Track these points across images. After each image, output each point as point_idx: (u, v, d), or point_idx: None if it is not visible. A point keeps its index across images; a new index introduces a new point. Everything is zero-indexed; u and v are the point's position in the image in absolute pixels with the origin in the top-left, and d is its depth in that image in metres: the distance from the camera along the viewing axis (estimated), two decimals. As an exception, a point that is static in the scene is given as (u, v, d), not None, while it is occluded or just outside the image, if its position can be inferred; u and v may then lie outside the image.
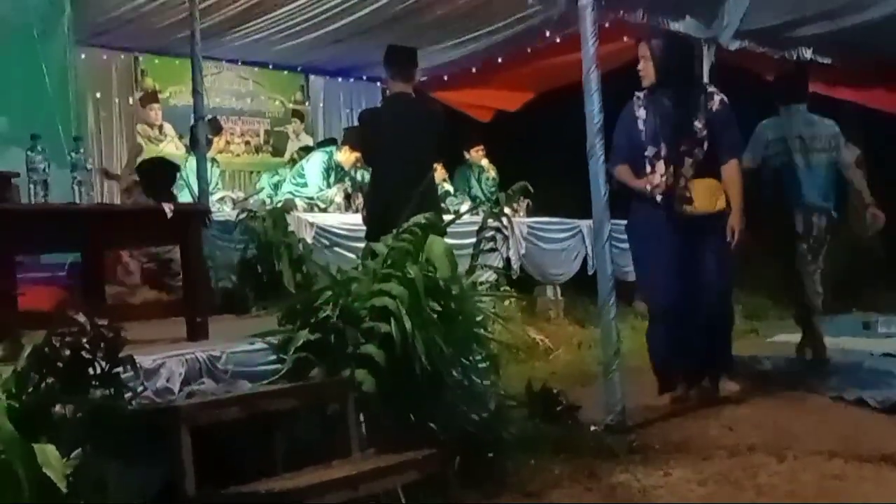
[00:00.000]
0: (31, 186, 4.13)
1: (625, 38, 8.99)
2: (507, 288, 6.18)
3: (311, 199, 8.79)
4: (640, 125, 5.40)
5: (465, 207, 9.27)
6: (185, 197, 8.37)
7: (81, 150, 4.22)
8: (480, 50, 10.82)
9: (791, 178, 6.41)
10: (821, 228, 6.44)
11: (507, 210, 5.51)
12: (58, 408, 2.97)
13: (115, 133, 10.18)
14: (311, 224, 7.79)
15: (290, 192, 8.92)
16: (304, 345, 3.88)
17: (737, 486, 3.93)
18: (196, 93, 7.19)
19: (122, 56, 10.36)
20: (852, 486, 3.89)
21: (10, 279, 4.16)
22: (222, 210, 7.96)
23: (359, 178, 8.98)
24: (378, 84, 11.72)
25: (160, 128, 10.44)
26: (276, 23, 9.61)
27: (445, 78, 11.41)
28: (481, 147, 10.95)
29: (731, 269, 5.57)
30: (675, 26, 7.89)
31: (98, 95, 10.11)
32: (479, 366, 4.27)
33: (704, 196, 5.34)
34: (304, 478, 3.28)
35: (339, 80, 12.24)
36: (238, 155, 11.32)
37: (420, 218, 4.24)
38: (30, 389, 2.94)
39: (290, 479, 3.27)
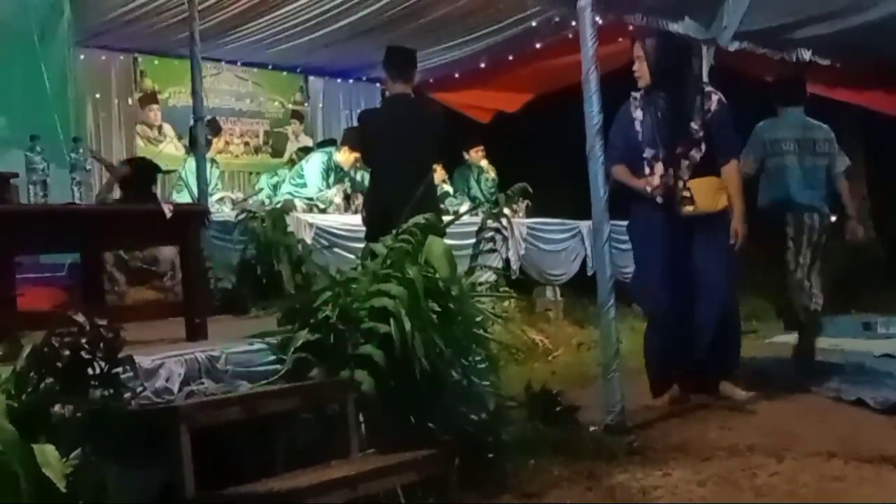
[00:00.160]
0: (31, 187, 4.12)
1: (620, 40, 9.01)
2: (507, 289, 6.16)
3: (311, 199, 8.79)
4: (638, 126, 5.38)
5: (464, 208, 9.27)
6: (184, 197, 8.38)
7: (80, 151, 4.21)
8: (480, 51, 10.82)
9: (785, 179, 6.43)
10: (814, 229, 6.44)
11: (506, 211, 5.50)
12: (57, 408, 2.96)
13: (114, 134, 10.16)
14: (311, 225, 7.79)
15: (290, 193, 8.93)
16: (304, 345, 3.88)
17: (736, 487, 3.93)
18: (195, 94, 7.19)
19: (122, 57, 10.35)
20: (852, 486, 3.89)
21: (10, 280, 4.17)
22: (221, 211, 7.96)
23: (358, 178, 8.98)
24: (377, 85, 11.71)
25: (159, 128, 10.47)
26: (276, 24, 9.61)
27: (445, 79, 11.42)
28: (481, 148, 10.95)
29: (735, 269, 5.52)
30: (675, 27, 7.91)
31: (97, 96, 10.10)
32: (479, 366, 4.27)
33: (706, 195, 5.31)
34: (303, 478, 3.28)
35: (339, 80, 12.24)
36: (237, 156, 11.31)
37: (419, 219, 4.24)
38: (29, 390, 2.94)
39: (289, 480, 3.27)
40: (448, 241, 4.26)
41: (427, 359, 3.77)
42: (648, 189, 5.33)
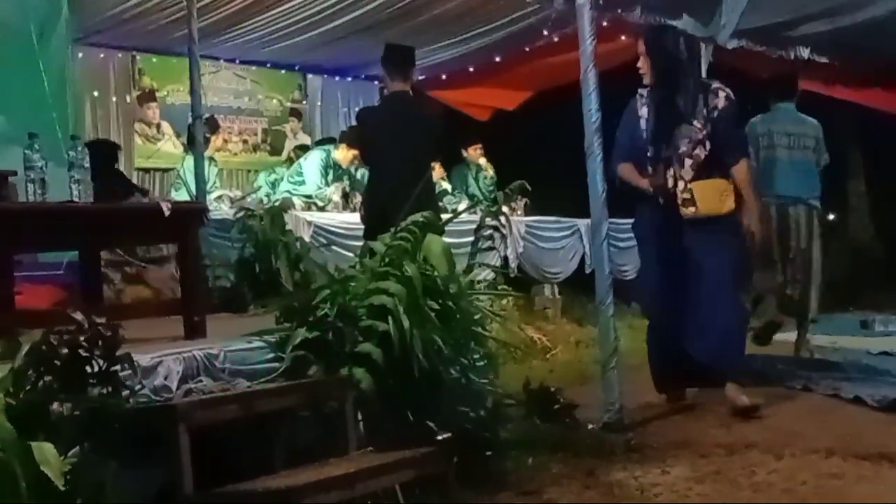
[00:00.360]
0: (29, 185, 4.11)
1: (622, 38, 9.02)
2: (505, 287, 6.18)
3: (309, 197, 8.79)
4: (643, 124, 5.30)
5: (462, 206, 9.28)
6: (182, 195, 8.38)
7: (79, 149, 4.21)
8: (478, 49, 10.81)
9: (773, 172, 6.47)
10: (800, 220, 6.47)
11: (504, 209, 5.49)
12: (55, 406, 2.96)
13: (112, 132, 10.15)
14: (309, 223, 7.79)
15: (288, 191, 8.93)
16: (302, 343, 3.87)
17: (734, 485, 3.94)
18: (194, 91, 7.19)
19: (120, 55, 10.35)
20: (850, 484, 3.90)
21: (8, 278, 4.16)
22: (220, 209, 7.95)
23: (357, 176, 8.99)
24: (376, 83, 11.71)
25: (158, 126, 10.47)
26: (274, 22, 9.61)
27: (443, 77, 11.43)
28: (479, 146, 10.95)
29: (739, 273, 5.41)
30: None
31: (96, 94, 10.10)
32: (477, 364, 4.27)
33: (710, 198, 5.17)
34: (301, 476, 3.28)
35: (337, 78, 12.24)
36: (236, 154, 11.32)
37: (418, 217, 4.24)
38: (27, 388, 2.94)
39: (287, 478, 3.27)
40: (447, 239, 4.26)
41: (425, 357, 3.77)
42: (650, 189, 5.25)
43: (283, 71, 11.71)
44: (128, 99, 10.44)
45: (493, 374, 4.40)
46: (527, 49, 10.69)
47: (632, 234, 5.73)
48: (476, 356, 4.26)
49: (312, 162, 9.20)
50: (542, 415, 4.76)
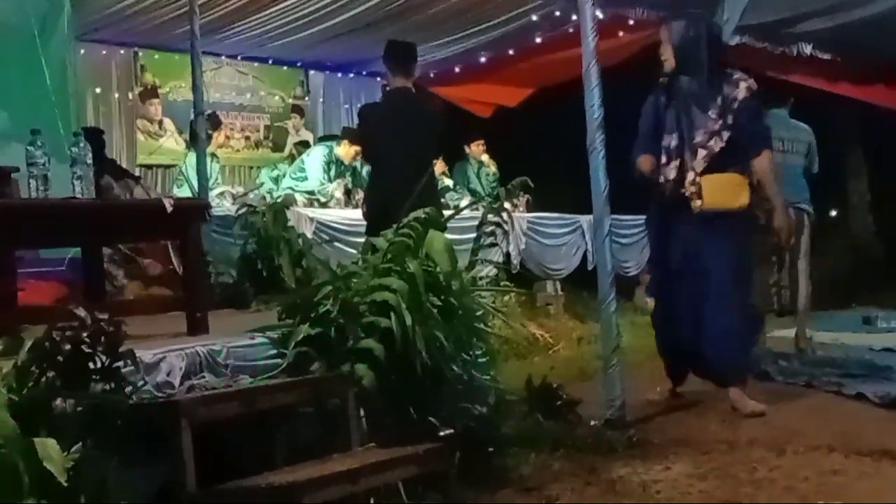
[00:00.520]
0: (31, 181, 4.12)
1: (620, 34, 9.02)
2: (507, 283, 6.19)
3: (312, 193, 8.80)
4: (661, 113, 5.19)
5: (464, 202, 9.27)
6: (184, 192, 8.39)
7: (81, 145, 4.21)
8: (480, 45, 10.81)
9: None
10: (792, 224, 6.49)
11: (506, 205, 5.49)
12: (58, 402, 2.97)
13: (114, 128, 10.16)
14: (311, 219, 7.80)
15: (291, 188, 8.93)
16: (305, 339, 3.88)
17: (736, 481, 3.93)
18: (196, 88, 7.20)
19: (122, 51, 10.36)
20: (852, 481, 3.89)
21: (10, 274, 4.17)
22: (222, 205, 7.96)
23: (361, 172, 8.99)
24: (378, 79, 11.71)
25: (160, 123, 10.48)
26: (276, 18, 9.60)
27: (445, 73, 11.42)
28: (482, 142, 10.95)
29: (747, 272, 5.32)
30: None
31: (98, 91, 10.11)
32: (480, 361, 4.28)
33: (718, 191, 5.03)
34: (304, 472, 3.28)
35: (339, 75, 12.24)
36: (238, 150, 11.32)
37: (420, 213, 4.24)
38: (30, 384, 2.94)
39: (290, 474, 3.27)
40: (449, 236, 4.26)
41: (428, 353, 3.78)
42: (662, 179, 5.16)
43: (285, 67, 11.71)
44: (130, 95, 10.44)
45: (495, 371, 4.39)
46: (529, 46, 10.69)
47: (634, 231, 5.73)
48: (478, 352, 4.27)
49: (315, 158, 9.21)
50: (544, 411, 4.77)
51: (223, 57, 10.85)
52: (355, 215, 7.50)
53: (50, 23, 6.53)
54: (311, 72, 11.99)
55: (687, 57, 5.17)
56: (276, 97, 11.73)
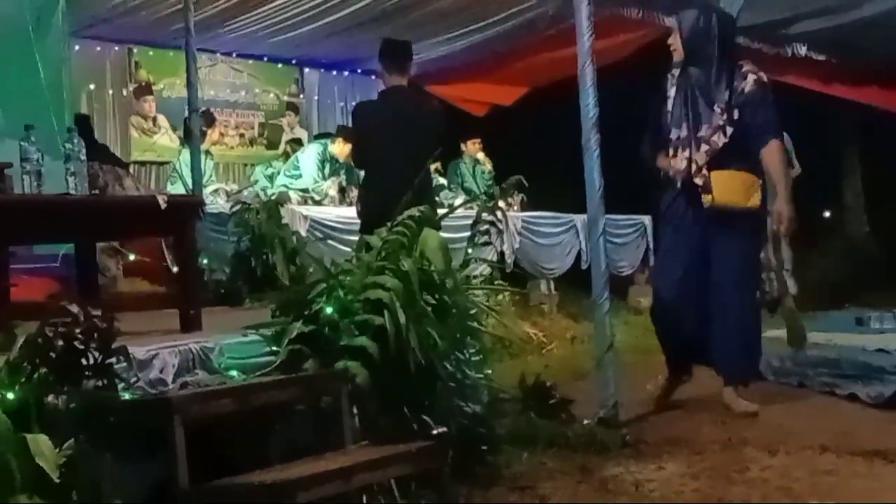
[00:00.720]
0: (25, 177, 4.11)
1: (616, 33, 9.02)
2: (501, 282, 6.19)
3: (306, 191, 8.80)
4: (669, 105, 5.12)
5: (459, 201, 9.27)
6: (178, 189, 8.39)
7: (75, 141, 4.20)
8: (475, 44, 10.81)
9: None
10: (771, 227, 6.50)
11: (501, 204, 5.48)
12: (51, 399, 2.96)
13: (108, 125, 10.15)
14: (305, 217, 7.80)
15: (285, 185, 8.93)
16: (298, 337, 3.87)
17: (729, 481, 3.93)
18: (190, 85, 7.20)
19: (117, 48, 10.35)
20: (844, 480, 3.90)
21: (3, 270, 4.16)
22: (216, 202, 7.96)
23: (355, 170, 8.98)
24: (373, 77, 11.71)
25: (154, 120, 10.46)
26: (271, 15, 9.60)
27: (440, 72, 11.41)
28: (478, 140, 10.95)
29: (754, 274, 5.27)
30: (670, 21, 7.89)
31: (92, 87, 10.09)
32: (473, 359, 4.27)
33: (728, 188, 4.96)
34: (297, 469, 3.28)
35: (334, 73, 12.24)
36: (232, 147, 11.31)
37: (414, 211, 4.24)
38: (23, 380, 2.94)
39: (283, 471, 3.27)
40: (443, 234, 4.26)
41: (421, 351, 3.77)
42: (671, 172, 5.09)
43: (280, 65, 11.70)
44: (124, 92, 10.42)
45: (488, 369, 4.39)
46: (524, 45, 10.69)
47: (628, 230, 5.72)
48: (472, 351, 4.26)
49: (309, 156, 9.21)
50: (538, 410, 4.77)
51: (218, 54, 10.84)
52: (349, 213, 7.50)
53: (45, 19, 6.53)
54: (306, 69, 11.98)
55: (696, 48, 5.08)
56: (271, 94, 11.72)
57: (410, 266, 3.92)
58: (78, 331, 3.03)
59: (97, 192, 4.55)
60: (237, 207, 7.03)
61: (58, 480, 2.68)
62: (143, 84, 10.50)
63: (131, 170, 9.77)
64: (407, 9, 9.40)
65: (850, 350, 6.81)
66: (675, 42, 5.17)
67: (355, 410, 3.78)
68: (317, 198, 8.74)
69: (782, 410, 5.18)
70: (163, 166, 10.38)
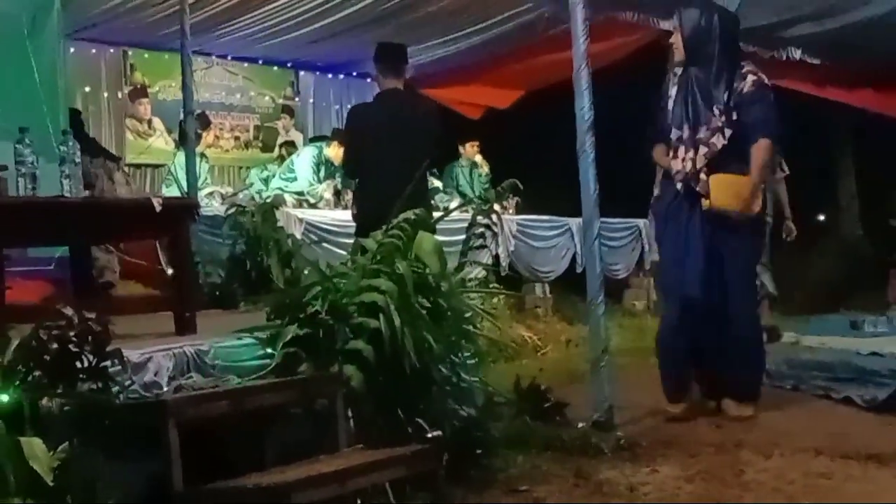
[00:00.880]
0: (20, 180, 4.11)
1: (612, 37, 9.02)
2: (496, 285, 6.17)
3: (301, 194, 8.79)
4: (670, 105, 5.09)
5: (454, 204, 9.27)
6: (173, 191, 8.37)
7: (70, 144, 4.20)
8: (471, 47, 10.81)
9: None
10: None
11: (496, 207, 5.48)
12: (45, 401, 2.96)
13: (103, 127, 10.13)
14: (301, 220, 7.80)
15: (280, 188, 8.93)
16: (293, 340, 3.87)
17: (723, 484, 3.94)
18: (185, 88, 7.19)
19: (112, 50, 10.34)
20: (838, 483, 3.91)
21: (-2, 272, 4.15)
22: (211, 205, 7.95)
23: (348, 178, 8.97)
24: (368, 80, 11.71)
25: (149, 122, 10.46)
26: (267, 18, 9.60)
27: (435, 75, 11.40)
28: (476, 143, 10.95)
29: (752, 279, 5.21)
30: (665, 25, 7.90)
31: (87, 90, 10.08)
32: (468, 362, 4.28)
33: (726, 192, 4.92)
34: (292, 472, 3.27)
35: (329, 76, 12.24)
36: (227, 150, 11.31)
37: (410, 214, 4.24)
38: (17, 383, 2.93)
39: (277, 474, 3.27)
40: (438, 237, 4.26)
41: (416, 354, 3.77)
42: (672, 172, 5.05)
43: (275, 68, 11.70)
44: (119, 95, 10.42)
45: (483, 372, 4.39)
46: (519, 48, 10.68)
47: (623, 233, 5.70)
48: (467, 354, 4.26)
49: (304, 159, 9.20)
50: (533, 413, 4.77)
51: (213, 57, 10.83)
52: (344, 216, 7.49)
53: (40, 21, 6.51)
54: (302, 72, 11.97)
55: (697, 48, 5.05)
56: (266, 97, 11.71)
57: (405, 269, 3.92)
58: (72, 333, 3.03)
59: (90, 192, 4.55)
60: (232, 210, 7.01)
61: (52, 483, 2.68)
62: (139, 86, 10.50)
63: (126, 171, 9.77)
64: (401, 11, 9.39)
65: (845, 353, 6.82)
66: (675, 41, 5.15)
67: (350, 413, 3.78)
68: (312, 201, 8.74)
69: (777, 413, 5.19)
70: (158, 169, 10.37)
